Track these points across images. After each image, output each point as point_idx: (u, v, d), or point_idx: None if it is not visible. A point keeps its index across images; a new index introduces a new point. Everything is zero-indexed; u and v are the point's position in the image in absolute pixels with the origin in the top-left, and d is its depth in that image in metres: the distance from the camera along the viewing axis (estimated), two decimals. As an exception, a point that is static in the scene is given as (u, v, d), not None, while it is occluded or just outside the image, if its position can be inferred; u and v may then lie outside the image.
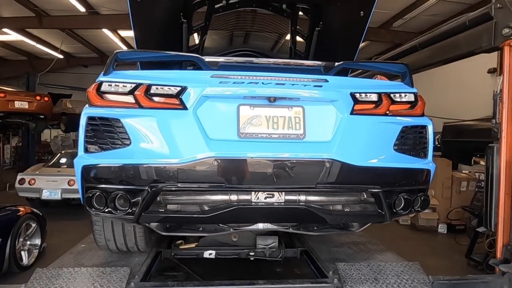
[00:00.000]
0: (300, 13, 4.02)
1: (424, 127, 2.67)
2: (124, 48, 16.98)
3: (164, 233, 2.75)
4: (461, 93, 11.30)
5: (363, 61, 3.26)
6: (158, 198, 2.39)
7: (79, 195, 7.36)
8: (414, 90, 2.71)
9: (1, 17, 13.55)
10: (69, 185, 8.24)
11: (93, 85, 2.43)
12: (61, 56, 18.08)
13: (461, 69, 9.45)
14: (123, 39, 16.39)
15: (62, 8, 12.70)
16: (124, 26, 13.87)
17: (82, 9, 12.74)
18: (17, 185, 8.40)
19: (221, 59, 2.52)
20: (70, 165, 9.19)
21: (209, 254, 3.52)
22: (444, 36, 3.78)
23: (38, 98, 11.78)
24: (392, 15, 12.93)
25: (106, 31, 14.97)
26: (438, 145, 10.83)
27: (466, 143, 7.64)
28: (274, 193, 2.41)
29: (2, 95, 10.84)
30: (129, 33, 15.35)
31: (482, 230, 4.71)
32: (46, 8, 13.00)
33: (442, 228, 7.84)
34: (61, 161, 9.55)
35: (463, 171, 8.58)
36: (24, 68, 17.79)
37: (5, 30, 14.22)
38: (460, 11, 11.19)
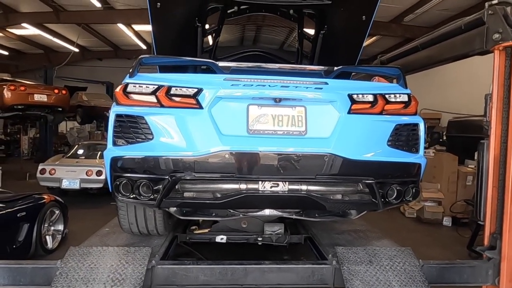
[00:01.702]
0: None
1: (416, 125, 2.92)
2: (138, 41, 17.37)
3: (181, 217, 3.08)
4: (473, 89, 11.31)
5: (361, 65, 3.51)
6: (177, 186, 2.70)
7: (96, 185, 7.79)
8: (408, 91, 2.96)
9: (20, 12, 13.99)
10: (87, 175, 8.60)
11: (120, 86, 2.74)
12: (77, 50, 18.52)
13: (473, 65, 9.50)
14: (137, 33, 16.74)
15: (79, 3, 13.09)
16: (138, 21, 14.25)
17: (98, 4, 13.11)
18: (38, 174, 8.77)
19: (232, 64, 2.81)
20: (88, 156, 9.61)
21: (220, 238, 3.84)
22: (442, 38, 3.97)
23: (56, 91, 12.13)
24: (403, 10, 12.94)
25: (120, 25, 15.35)
26: (444, 140, 10.99)
27: (469, 138, 7.78)
28: (279, 182, 2.70)
29: (23, 88, 11.23)
30: (142, 27, 15.70)
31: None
32: (63, 4, 13.39)
33: (447, 221, 8.01)
34: (79, 152, 9.90)
35: (469, 166, 8.71)
36: (41, 61, 18.31)
37: (23, 24, 14.68)
38: (471, 5, 11.18)
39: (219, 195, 2.77)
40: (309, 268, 3.04)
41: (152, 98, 2.67)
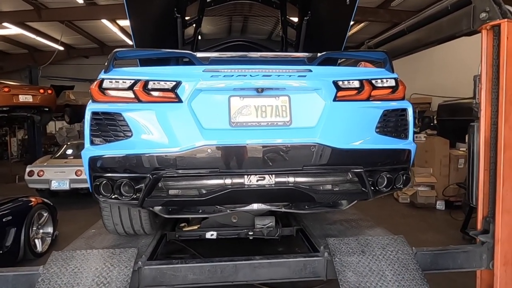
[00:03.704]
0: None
1: (404, 110, 2.84)
2: (124, 37, 17.07)
3: (167, 216, 2.99)
4: (462, 71, 11.26)
5: (346, 51, 3.41)
6: (159, 184, 2.60)
7: (86, 185, 7.63)
8: (395, 75, 2.87)
9: (0, 11, 13.63)
10: (76, 175, 8.44)
11: (95, 82, 2.62)
12: (61, 48, 18.12)
13: (461, 47, 9.45)
14: (122, 29, 16.43)
15: (60, 0, 12.78)
16: (122, 16, 13.81)
17: (80, 0, 12.81)
18: (26, 177, 8.61)
19: (211, 54, 2.70)
20: (77, 156, 9.42)
21: (210, 235, 3.76)
22: (428, 20, 3.88)
23: (41, 91, 11.87)
24: (390, -6, 12.86)
25: (105, 21, 15.00)
26: (435, 124, 10.98)
27: (460, 121, 7.75)
28: (265, 176, 2.61)
29: (7, 89, 10.96)
30: (128, 23, 15.35)
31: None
32: (44, 1, 13.04)
33: (440, 205, 8.02)
34: (67, 152, 9.72)
35: (461, 149, 8.70)
36: (26, 61, 17.90)
37: (5, 24, 14.31)
38: (457, -12, 11.06)
39: (204, 192, 2.67)
40: (300, 261, 2.97)
41: (129, 94, 2.56)
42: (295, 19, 4.21)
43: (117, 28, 16.15)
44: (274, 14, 4.34)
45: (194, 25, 4.13)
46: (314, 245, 3.37)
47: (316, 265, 2.96)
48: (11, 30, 15.38)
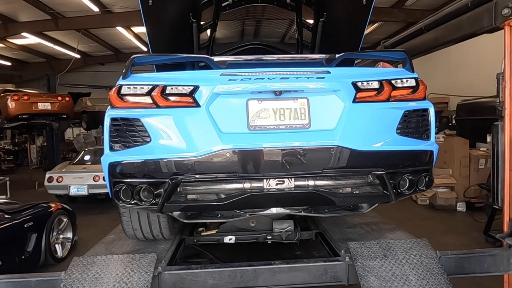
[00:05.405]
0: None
1: (425, 110, 2.77)
2: (138, 43, 17.31)
3: (186, 221, 2.98)
4: (480, 70, 10.98)
5: (364, 51, 3.36)
6: (178, 189, 2.59)
7: (104, 190, 7.68)
8: (415, 75, 2.81)
9: (19, 22, 13.99)
10: (94, 180, 8.58)
11: (113, 89, 2.63)
12: (78, 56, 18.51)
13: (480, 45, 9.18)
14: (137, 36, 16.68)
15: (76, 9, 13.02)
16: (137, 23, 14.10)
17: (95, 9, 13.04)
18: (46, 183, 8.77)
19: (228, 58, 2.69)
20: (94, 161, 9.57)
21: (229, 239, 3.75)
22: (447, 18, 3.83)
23: (59, 98, 12.12)
24: (404, -7, 12.71)
25: (120, 28, 15.27)
26: (453, 124, 10.75)
27: (480, 120, 7.59)
28: (284, 179, 2.58)
29: (26, 97, 11.24)
30: (142, 29, 15.59)
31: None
32: (61, 10, 13.34)
33: (461, 207, 7.85)
34: (85, 158, 9.87)
35: (481, 149, 8.50)
36: (44, 69, 18.38)
37: (24, 34, 14.69)
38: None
39: (223, 196, 2.65)
40: (321, 266, 2.93)
41: (147, 99, 2.56)
42: (311, 21, 4.17)
43: (132, 35, 16.41)
44: (288, 16, 4.32)
45: (209, 29, 4.14)
46: (334, 249, 3.32)
47: (337, 269, 2.92)
48: (30, 39, 15.79)
